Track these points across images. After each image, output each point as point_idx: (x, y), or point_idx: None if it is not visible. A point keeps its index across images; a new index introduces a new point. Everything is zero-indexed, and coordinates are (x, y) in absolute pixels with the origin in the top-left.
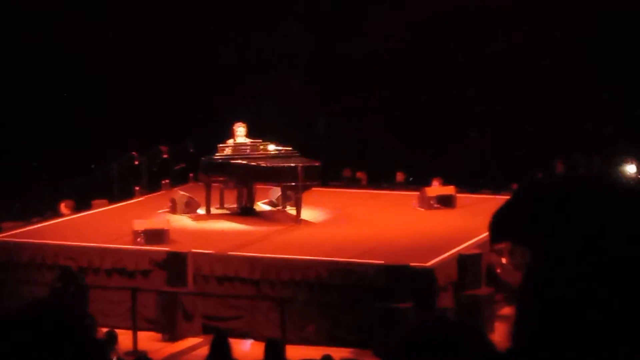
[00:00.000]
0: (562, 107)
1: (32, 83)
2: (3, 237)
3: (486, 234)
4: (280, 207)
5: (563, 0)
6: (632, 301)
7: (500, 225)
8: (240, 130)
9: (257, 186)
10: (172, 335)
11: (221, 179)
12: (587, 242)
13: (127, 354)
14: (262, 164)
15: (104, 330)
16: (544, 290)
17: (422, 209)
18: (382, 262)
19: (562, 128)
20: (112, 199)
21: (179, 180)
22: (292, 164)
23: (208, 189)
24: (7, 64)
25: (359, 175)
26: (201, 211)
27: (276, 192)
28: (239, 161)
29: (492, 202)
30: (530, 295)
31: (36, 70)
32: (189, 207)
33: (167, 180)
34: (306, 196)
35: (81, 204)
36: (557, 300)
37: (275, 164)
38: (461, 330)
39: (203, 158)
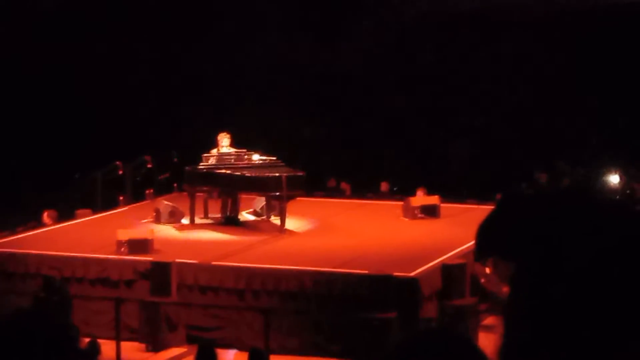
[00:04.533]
0: (546, 117)
1: (14, 92)
2: None
3: (470, 243)
4: (264, 217)
5: (548, 12)
6: (617, 311)
7: (484, 241)
8: (224, 140)
9: (242, 196)
10: (155, 345)
11: (205, 188)
12: (570, 255)
13: None
14: (247, 173)
15: (87, 340)
16: (530, 303)
17: (407, 219)
18: (366, 271)
19: (546, 138)
20: (96, 209)
21: (163, 190)
22: (276, 174)
23: (192, 198)
24: None
25: (343, 186)
26: (185, 221)
27: (260, 201)
28: (223, 171)
29: (477, 212)
30: (517, 309)
31: (19, 81)
32: (173, 217)
33: (151, 190)
34: (290, 206)
35: (65, 214)
36: (543, 313)
37: (260, 174)
38: (455, 342)
39: (187, 168)
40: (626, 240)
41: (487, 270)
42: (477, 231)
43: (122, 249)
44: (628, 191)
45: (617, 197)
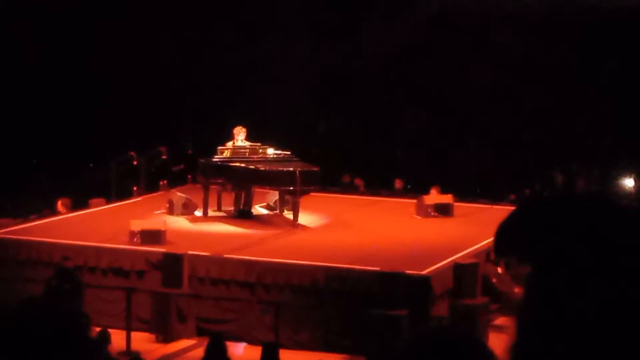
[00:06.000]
0: (562, 118)
1: (32, 82)
2: (0, 233)
3: (483, 243)
4: (277, 211)
5: (563, 14)
6: (634, 317)
7: (504, 241)
8: (240, 134)
9: (255, 189)
10: (166, 336)
11: (219, 181)
12: (590, 260)
13: (121, 354)
14: (261, 167)
15: (97, 329)
16: (544, 307)
17: (420, 217)
18: (379, 269)
19: (561, 139)
20: (110, 199)
21: (177, 181)
22: (290, 169)
23: (206, 191)
24: (7, 63)
25: (357, 182)
26: (198, 213)
27: (274, 196)
28: (238, 164)
29: (490, 212)
30: (530, 311)
31: (37, 70)
32: (187, 209)
33: (165, 181)
34: (304, 201)
35: (79, 203)
36: (556, 317)
37: (274, 168)
38: (464, 340)
39: (202, 160)
40: None
41: (499, 270)
42: (496, 231)
43: (135, 239)
44: None
45: (632, 200)
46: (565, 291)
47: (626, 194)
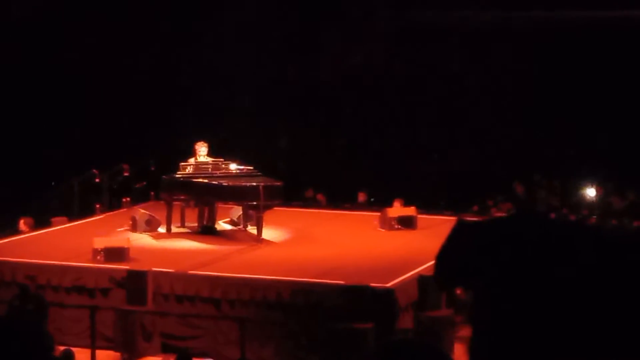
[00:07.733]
0: (525, 129)
1: None
2: None
3: None
4: (241, 227)
5: (524, 24)
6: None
7: (444, 275)
8: (202, 149)
9: (219, 205)
10: (131, 354)
11: (182, 197)
12: (519, 275)
13: None
14: (224, 183)
15: (61, 348)
16: (491, 318)
17: (383, 230)
18: (343, 282)
19: (524, 149)
20: (72, 217)
21: (140, 198)
22: (253, 184)
23: (169, 207)
24: None
25: (319, 197)
26: (162, 230)
27: (237, 211)
28: (201, 180)
29: (453, 223)
30: (481, 320)
31: None
32: (150, 226)
33: (128, 199)
34: (267, 216)
35: (41, 221)
36: (502, 324)
37: (237, 183)
38: (426, 351)
39: (164, 176)
40: (574, 259)
41: None
42: (434, 266)
43: (98, 257)
44: (604, 204)
45: (594, 210)
46: (506, 309)
47: (588, 204)
